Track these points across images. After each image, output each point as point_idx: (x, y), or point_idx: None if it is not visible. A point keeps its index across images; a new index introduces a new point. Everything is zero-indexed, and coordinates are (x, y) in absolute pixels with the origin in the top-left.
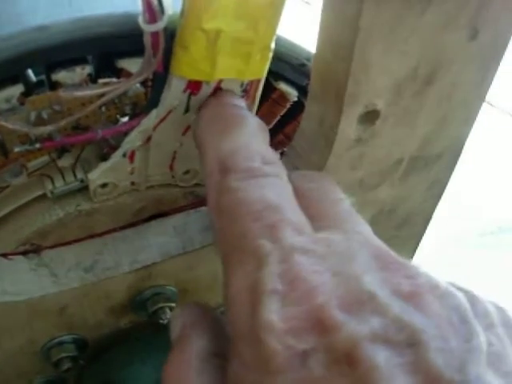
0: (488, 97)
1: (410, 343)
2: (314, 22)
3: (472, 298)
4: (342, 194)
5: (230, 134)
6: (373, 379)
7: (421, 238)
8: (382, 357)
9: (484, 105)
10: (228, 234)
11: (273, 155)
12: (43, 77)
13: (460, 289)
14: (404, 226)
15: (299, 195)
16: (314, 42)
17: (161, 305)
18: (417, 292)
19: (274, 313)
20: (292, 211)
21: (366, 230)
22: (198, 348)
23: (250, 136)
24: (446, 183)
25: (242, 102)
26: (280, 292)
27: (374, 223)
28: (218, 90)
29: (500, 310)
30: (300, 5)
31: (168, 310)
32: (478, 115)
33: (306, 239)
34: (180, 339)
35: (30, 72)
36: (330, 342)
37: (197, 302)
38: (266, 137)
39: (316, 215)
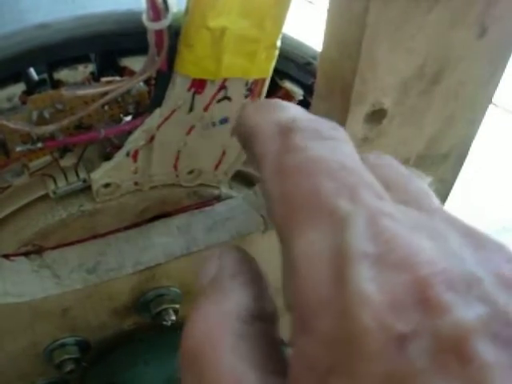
0: None
1: None
2: (317, 22)
3: None
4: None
5: (285, 107)
6: (486, 380)
7: None
8: (494, 355)
9: None
10: (294, 194)
11: (335, 123)
12: (45, 75)
13: None
14: None
15: (371, 168)
16: (317, 41)
17: (164, 306)
18: None
19: (367, 281)
20: (369, 176)
21: (447, 210)
22: (238, 305)
23: (304, 110)
24: (452, 183)
25: None
26: (374, 255)
27: None
28: (222, 88)
29: None
30: (303, 4)
31: (172, 312)
32: None
33: (391, 206)
34: (214, 288)
35: (31, 71)
36: (436, 327)
37: (239, 247)
38: None
39: (392, 187)
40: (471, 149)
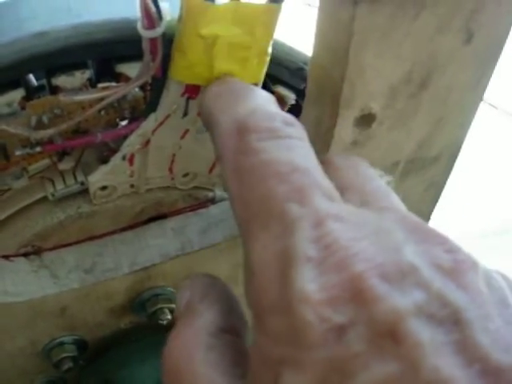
0: (491, 98)
1: (454, 321)
2: (315, 24)
3: (509, 282)
4: (377, 174)
5: (245, 98)
6: (418, 357)
7: None
8: (427, 334)
9: (487, 106)
10: (249, 197)
11: (292, 118)
12: (44, 81)
13: (495, 271)
14: None
15: (333, 168)
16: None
17: (160, 306)
18: (458, 268)
19: (308, 281)
20: (321, 177)
21: (403, 208)
22: (206, 322)
23: (266, 100)
24: (443, 185)
25: None
26: (315, 259)
27: None
28: None
29: None
30: (301, 7)
31: (167, 311)
32: (482, 117)
33: (339, 207)
34: (187, 312)
35: (31, 76)
36: (370, 315)
37: (206, 273)
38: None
39: (349, 188)
40: (469, 150)
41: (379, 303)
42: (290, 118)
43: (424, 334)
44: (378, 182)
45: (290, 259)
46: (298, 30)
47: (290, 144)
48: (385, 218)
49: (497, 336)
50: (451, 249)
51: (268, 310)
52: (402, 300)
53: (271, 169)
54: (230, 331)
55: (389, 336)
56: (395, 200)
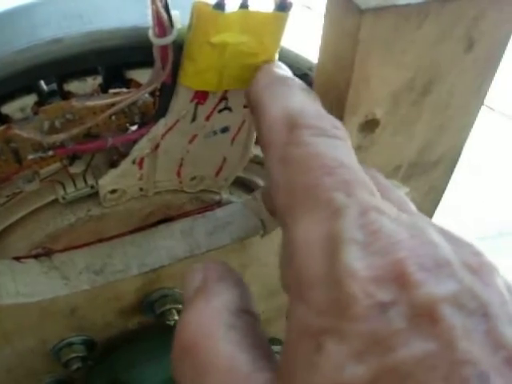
0: (487, 100)
1: (482, 313)
2: (314, 27)
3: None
4: (394, 185)
5: (297, 95)
6: (453, 338)
7: None
8: (460, 320)
9: (483, 108)
10: (295, 185)
11: (337, 121)
12: (55, 87)
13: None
14: None
15: None
16: (314, 45)
17: (168, 306)
18: (484, 269)
19: (356, 260)
20: (364, 175)
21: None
22: (227, 301)
23: (316, 101)
24: (443, 188)
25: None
26: (361, 241)
27: None
28: (223, 99)
29: None
30: (300, 9)
31: (175, 312)
32: (478, 119)
33: (381, 201)
34: (203, 291)
35: (41, 82)
36: (411, 297)
37: (220, 261)
38: None
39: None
40: (466, 153)
41: (418, 288)
42: (335, 120)
43: (457, 319)
44: (398, 191)
45: (338, 239)
46: (297, 32)
47: (337, 143)
48: (416, 219)
49: None
50: (477, 252)
51: (312, 283)
52: (437, 288)
53: (319, 161)
54: (249, 313)
55: (426, 316)
56: (416, 209)
